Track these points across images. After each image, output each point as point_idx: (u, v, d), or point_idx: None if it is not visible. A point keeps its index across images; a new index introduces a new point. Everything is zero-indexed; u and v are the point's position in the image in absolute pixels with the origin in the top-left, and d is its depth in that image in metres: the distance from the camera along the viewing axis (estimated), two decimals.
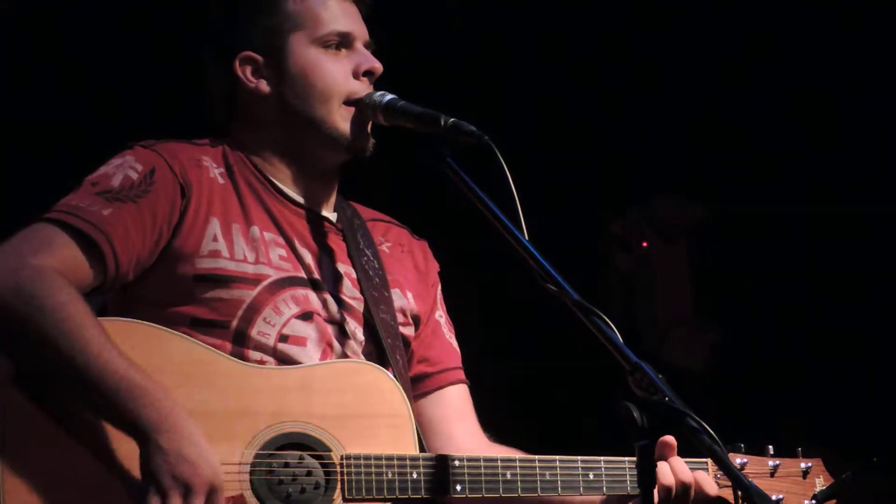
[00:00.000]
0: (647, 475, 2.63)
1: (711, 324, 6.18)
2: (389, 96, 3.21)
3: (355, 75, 3.27)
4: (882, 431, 5.49)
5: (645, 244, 6.21)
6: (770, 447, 3.44)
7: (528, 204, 2.89)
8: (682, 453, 3.27)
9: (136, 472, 2.90)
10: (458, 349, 3.48)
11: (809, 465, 3.45)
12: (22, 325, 2.89)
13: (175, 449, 2.86)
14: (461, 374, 3.45)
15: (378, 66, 3.27)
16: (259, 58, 3.28)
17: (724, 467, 2.58)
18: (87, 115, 4.90)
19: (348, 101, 3.25)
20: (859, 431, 5.55)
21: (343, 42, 3.28)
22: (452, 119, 3.04)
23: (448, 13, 5.70)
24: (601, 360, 2.79)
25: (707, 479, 3.24)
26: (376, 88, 3.27)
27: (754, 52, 5.74)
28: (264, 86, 3.28)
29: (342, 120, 3.25)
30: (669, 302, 6.24)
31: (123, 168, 3.14)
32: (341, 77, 3.26)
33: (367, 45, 3.32)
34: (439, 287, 3.50)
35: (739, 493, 2.58)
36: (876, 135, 5.69)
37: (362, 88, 3.26)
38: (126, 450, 2.92)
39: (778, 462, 3.42)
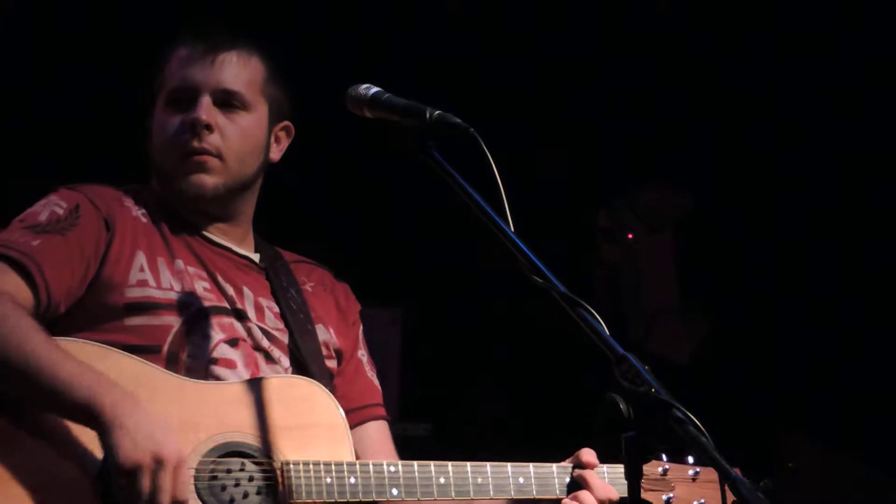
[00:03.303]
0: (633, 467, 2.63)
1: (697, 315, 6.19)
2: (375, 89, 3.20)
3: (186, 130, 3.36)
4: (867, 422, 5.52)
5: (630, 235, 6.23)
6: (690, 457, 3.54)
7: (514, 196, 2.89)
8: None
9: (95, 461, 2.97)
10: (379, 387, 3.59)
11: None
12: None
13: (142, 428, 2.93)
14: (382, 411, 3.57)
15: (198, 118, 3.35)
16: (150, 119, 3.44)
17: (712, 459, 2.57)
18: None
19: (187, 154, 3.36)
20: (845, 422, 5.58)
21: (187, 99, 3.39)
22: (438, 111, 3.04)
23: (436, 7, 5.71)
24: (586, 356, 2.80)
25: (609, 488, 3.34)
26: (359, 81, 3.26)
27: (741, 43, 5.75)
28: (150, 145, 3.44)
29: (182, 175, 3.37)
30: (655, 293, 6.25)
31: (49, 206, 3.27)
32: (177, 135, 3.36)
33: (223, 94, 3.40)
34: (361, 327, 3.62)
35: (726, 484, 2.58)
36: (864, 124, 5.70)
37: (192, 141, 3.35)
38: (84, 441, 2.98)
39: (698, 469, 3.52)
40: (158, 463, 2.92)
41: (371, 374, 3.60)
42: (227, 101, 3.41)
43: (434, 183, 2.96)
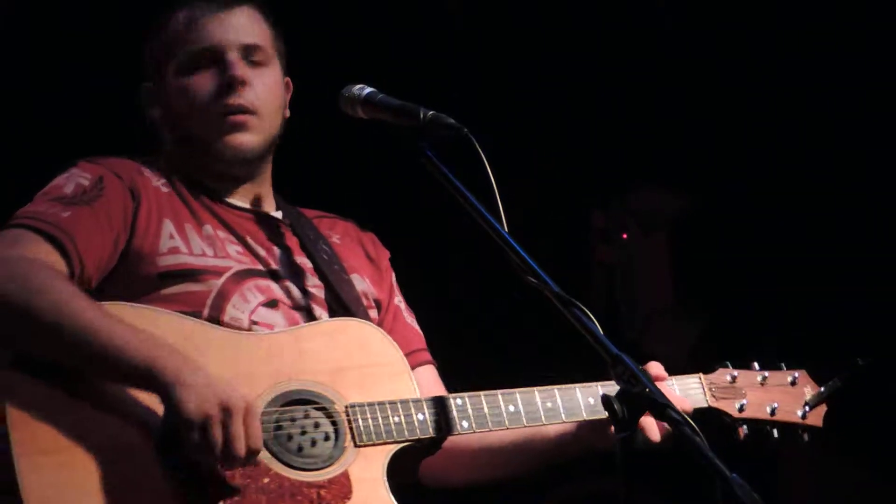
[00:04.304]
0: (628, 466, 2.63)
1: (692, 315, 6.18)
2: (368, 90, 3.21)
3: (222, 90, 3.32)
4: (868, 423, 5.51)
5: (625, 236, 6.22)
6: (755, 363, 3.54)
7: (510, 196, 2.90)
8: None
9: (156, 425, 2.93)
10: (420, 332, 3.54)
11: (796, 375, 3.57)
12: (20, 311, 2.94)
13: (202, 381, 2.90)
14: (427, 356, 3.52)
15: (234, 75, 3.32)
16: (153, 87, 3.41)
17: (707, 459, 2.58)
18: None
19: (227, 114, 3.32)
20: (844, 423, 5.56)
21: (209, 59, 3.35)
22: (431, 112, 3.05)
23: (436, 7, 5.71)
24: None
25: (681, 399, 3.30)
26: (358, 81, 3.27)
27: (740, 43, 5.75)
28: (159, 113, 3.41)
29: (219, 136, 3.33)
30: (650, 293, 6.24)
31: (73, 178, 3.24)
32: (211, 96, 3.33)
33: (246, 50, 3.36)
34: (393, 274, 3.58)
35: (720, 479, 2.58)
36: (864, 124, 5.69)
37: (230, 98, 3.32)
38: (143, 406, 2.96)
39: (766, 374, 3.52)
40: (227, 412, 2.88)
41: (410, 319, 3.56)
42: (251, 58, 3.38)
43: (430, 183, 2.97)
